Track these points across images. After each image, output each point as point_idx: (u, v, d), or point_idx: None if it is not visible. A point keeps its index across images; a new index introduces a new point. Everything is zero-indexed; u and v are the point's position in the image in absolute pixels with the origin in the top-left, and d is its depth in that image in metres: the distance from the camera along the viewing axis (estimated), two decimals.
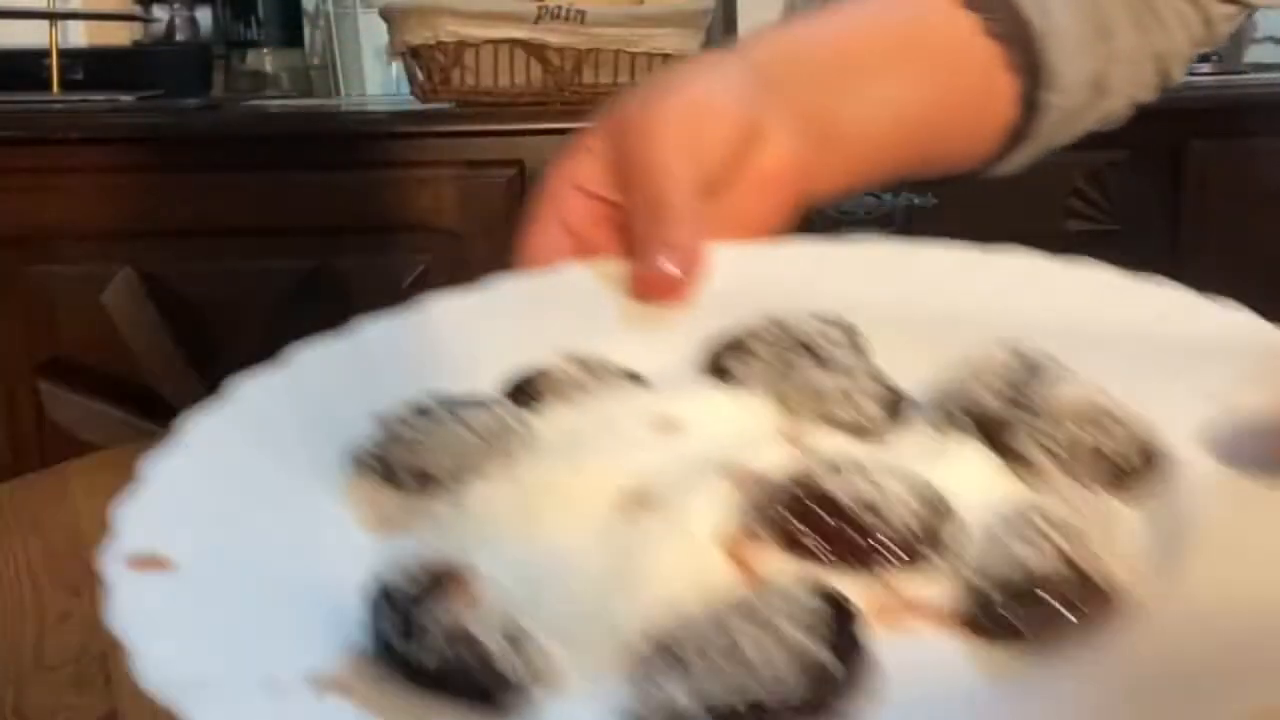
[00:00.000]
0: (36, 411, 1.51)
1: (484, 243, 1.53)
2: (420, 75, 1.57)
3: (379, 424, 0.41)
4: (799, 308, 0.46)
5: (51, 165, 1.48)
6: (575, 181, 0.57)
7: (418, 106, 1.60)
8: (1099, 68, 0.70)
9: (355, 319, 0.50)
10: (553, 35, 1.53)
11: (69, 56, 1.74)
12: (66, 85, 1.71)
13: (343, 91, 1.84)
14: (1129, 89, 0.72)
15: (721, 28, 1.97)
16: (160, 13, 1.90)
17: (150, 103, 1.66)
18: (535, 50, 1.54)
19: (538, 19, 1.52)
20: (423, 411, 0.41)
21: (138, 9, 1.91)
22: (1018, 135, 0.69)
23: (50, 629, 0.61)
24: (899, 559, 0.33)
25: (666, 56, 1.57)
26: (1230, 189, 1.57)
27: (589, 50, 1.54)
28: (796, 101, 0.59)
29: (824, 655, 0.30)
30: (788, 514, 0.34)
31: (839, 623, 0.30)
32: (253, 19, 1.88)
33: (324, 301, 1.51)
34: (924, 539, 0.34)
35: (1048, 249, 0.52)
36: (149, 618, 0.31)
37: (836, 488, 0.34)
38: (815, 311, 0.45)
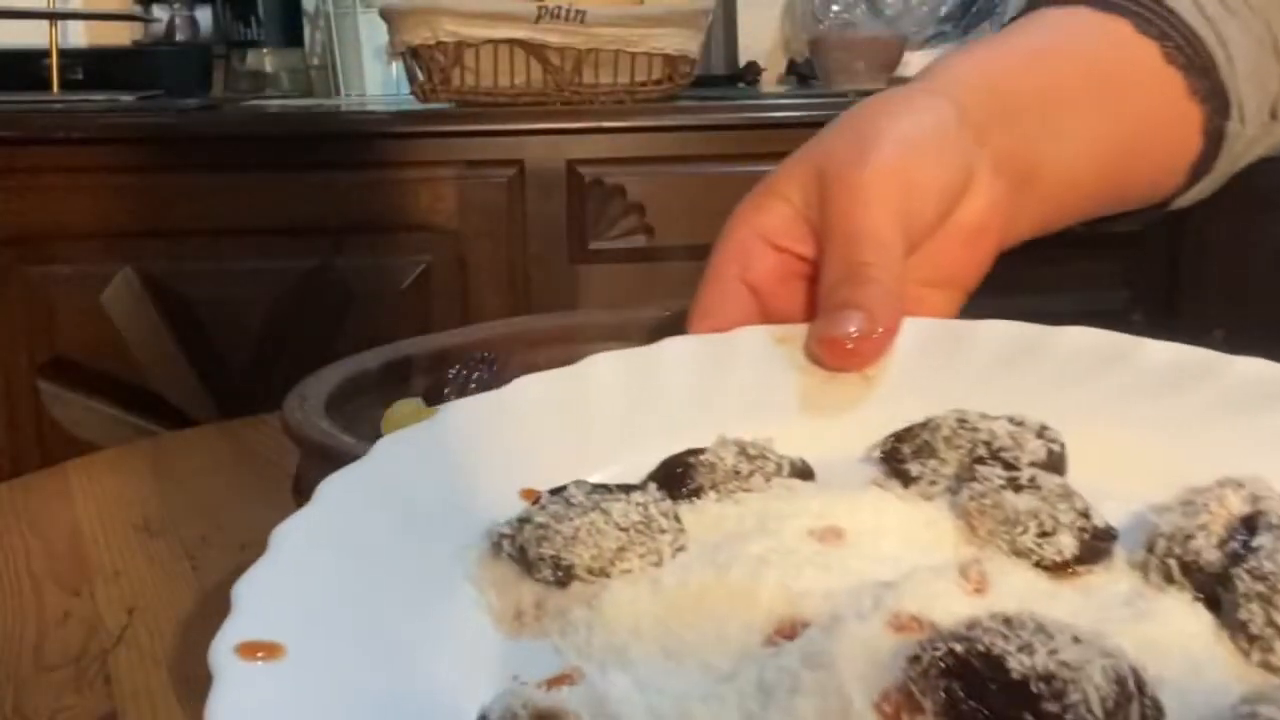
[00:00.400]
0: (36, 411, 1.51)
1: (484, 243, 1.53)
2: (420, 75, 1.57)
3: (521, 508, 0.38)
4: (994, 403, 0.41)
5: (51, 165, 1.48)
6: (763, 232, 0.52)
7: (418, 106, 1.60)
8: (1275, 91, 0.66)
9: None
10: (553, 35, 1.53)
11: (69, 56, 1.74)
12: (66, 85, 1.71)
13: (343, 91, 1.84)
14: None
15: (722, 28, 1.97)
16: (160, 13, 1.90)
17: (150, 103, 1.66)
18: (535, 50, 1.53)
19: (538, 19, 1.52)
20: (568, 498, 0.38)
21: (138, 9, 1.91)
22: (1201, 168, 0.66)
23: (50, 629, 0.61)
24: None
25: (666, 56, 1.57)
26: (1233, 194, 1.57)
27: (589, 50, 1.54)
28: (1001, 146, 0.55)
29: None
30: (955, 683, 0.29)
31: None
32: (253, 19, 1.88)
33: (324, 301, 1.51)
34: None
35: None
36: (251, 713, 0.29)
37: (1013, 658, 0.29)
38: (1012, 414, 0.41)
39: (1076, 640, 0.29)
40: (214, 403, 1.51)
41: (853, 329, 0.46)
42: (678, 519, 0.38)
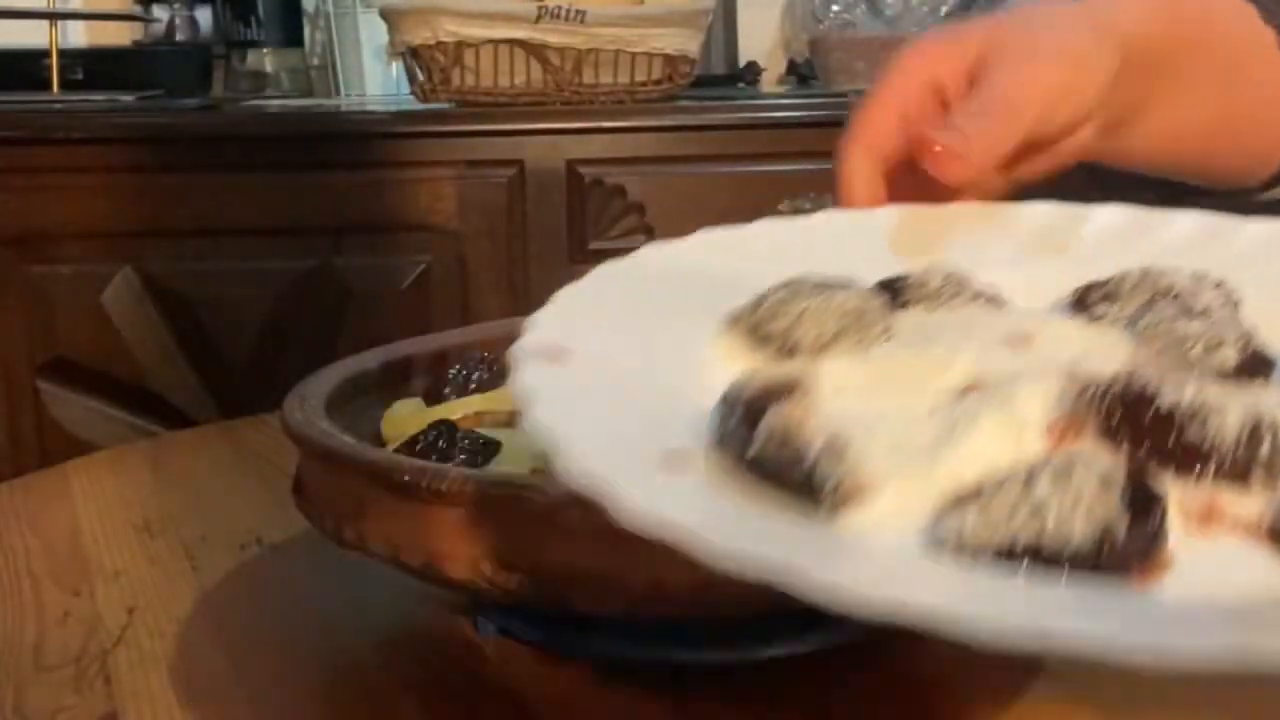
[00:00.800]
0: (36, 411, 1.51)
1: (484, 243, 1.53)
2: (420, 75, 1.57)
3: (755, 296, 0.44)
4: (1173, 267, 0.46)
5: (51, 165, 1.48)
6: (934, 71, 0.55)
7: (418, 106, 1.60)
8: None
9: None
10: (553, 35, 1.53)
11: (69, 56, 1.74)
12: (66, 85, 1.71)
13: (343, 91, 1.84)
14: None
15: (722, 28, 1.97)
16: (160, 13, 1.90)
17: (150, 103, 1.66)
18: (535, 50, 1.53)
19: (538, 19, 1.52)
20: (795, 288, 0.43)
21: (138, 9, 1.91)
22: None
23: (50, 629, 0.61)
24: (1218, 469, 0.33)
25: (666, 56, 1.57)
26: None
27: (589, 50, 1.54)
28: (1123, 91, 0.57)
29: (1116, 519, 0.30)
30: (1112, 405, 0.34)
31: (1138, 499, 0.31)
32: (253, 19, 1.88)
33: (324, 301, 1.51)
34: (1248, 454, 0.33)
35: None
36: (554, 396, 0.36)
37: (1165, 394, 0.34)
38: (1193, 271, 0.46)
39: (1230, 395, 0.34)
40: (214, 403, 1.51)
41: (947, 141, 0.51)
42: (888, 315, 0.43)
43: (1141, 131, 0.61)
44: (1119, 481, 0.31)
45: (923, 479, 0.34)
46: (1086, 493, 0.31)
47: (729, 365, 0.41)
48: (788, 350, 0.42)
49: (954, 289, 0.46)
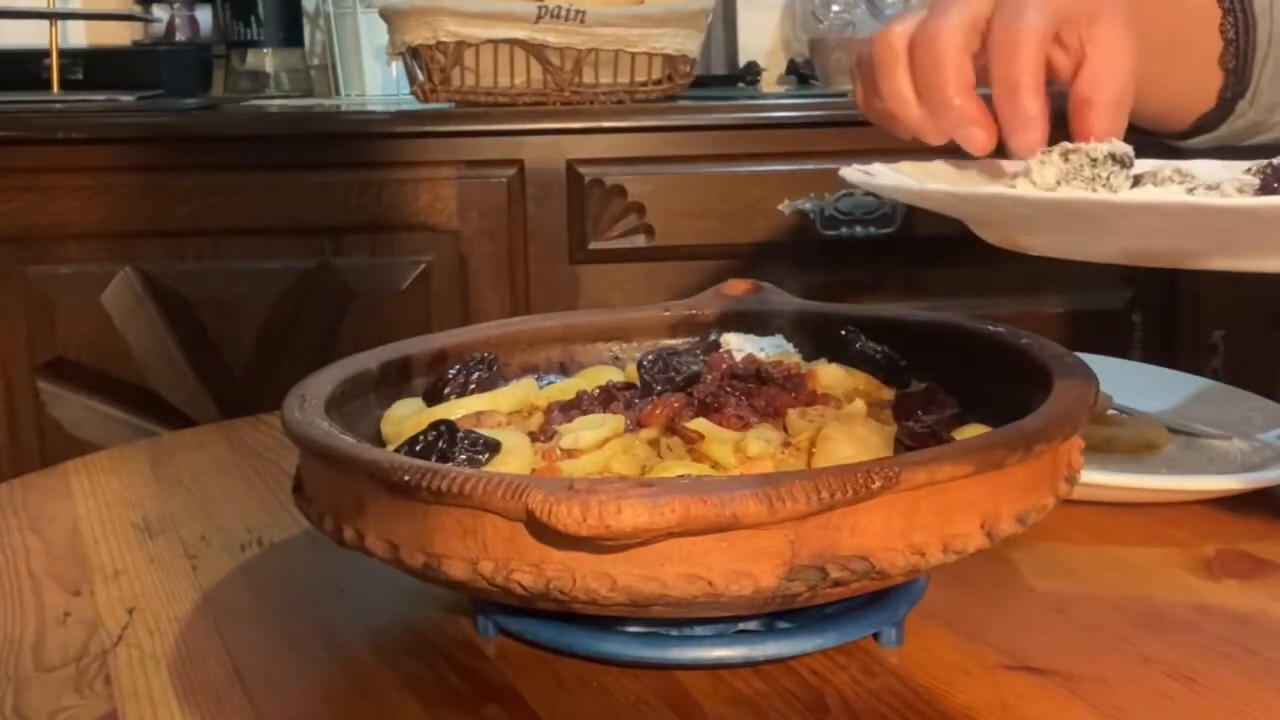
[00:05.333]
0: (36, 411, 1.51)
1: (484, 243, 1.52)
2: (420, 75, 1.57)
3: None
4: None
5: (51, 165, 1.48)
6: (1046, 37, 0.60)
7: (418, 106, 1.60)
8: None
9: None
10: (553, 35, 1.53)
11: (69, 56, 1.74)
12: (66, 85, 1.71)
13: (343, 91, 1.84)
14: None
15: (722, 28, 1.97)
16: (160, 13, 1.90)
17: (150, 103, 1.66)
18: (535, 50, 1.53)
19: (538, 19, 1.52)
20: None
21: (138, 9, 1.91)
22: (1205, 122, 0.78)
23: (50, 629, 0.61)
24: None
25: (666, 56, 1.57)
26: None
27: (589, 50, 1.54)
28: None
29: None
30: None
31: None
32: (253, 19, 1.87)
33: (324, 301, 1.51)
34: None
35: None
36: None
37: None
38: None
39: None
40: (214, 403, 1.51)
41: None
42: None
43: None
44: None
45: None
46: None
47: None
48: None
49: (1180, 179, 0.56)
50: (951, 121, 0.60)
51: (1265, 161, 0.56)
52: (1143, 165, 0.59)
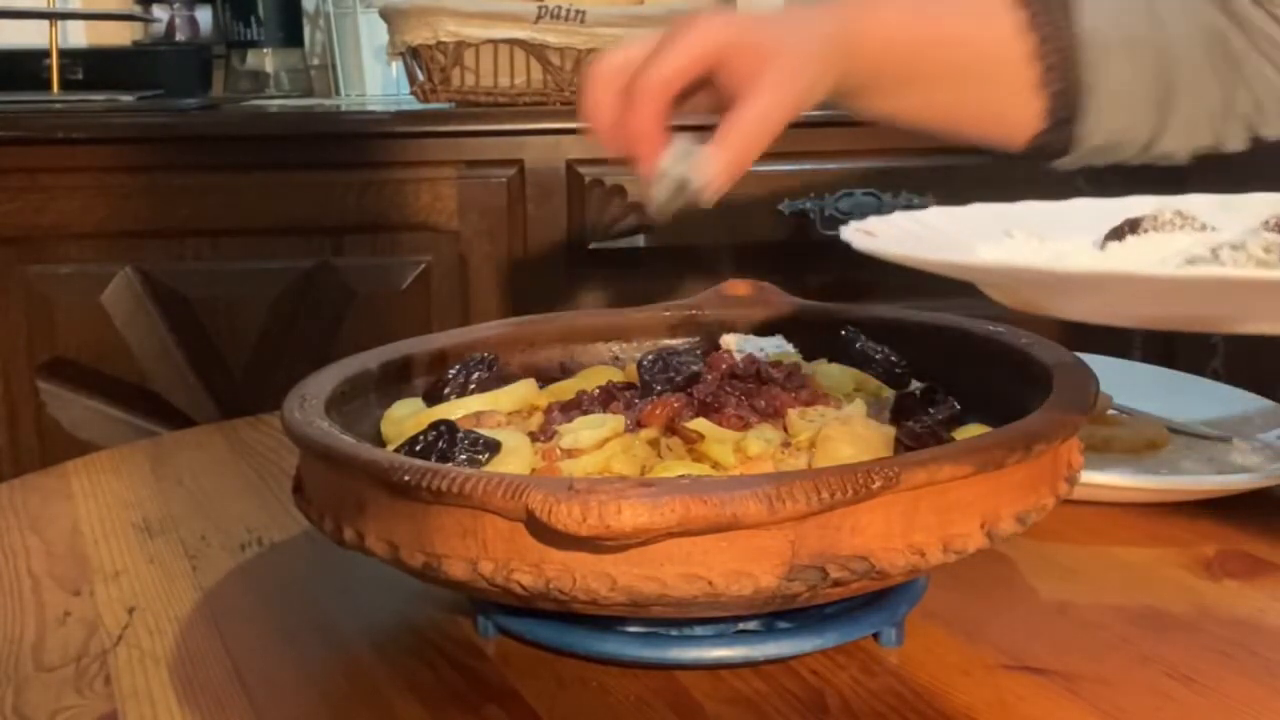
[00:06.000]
0: (36, 411, 1.51)
1: (484, 243, 1.52)
2: (420, 75, 1.57)
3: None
4: None
5: (51, 165, 1.48)
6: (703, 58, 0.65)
7: (417, 106, 1.59)
8: (1150, 131, 0.77)
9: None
10: (553, 35, 1.53)
11: (69, 56, 1.74)
12: (66, 85, 1.71)
13: (343, 91, 1.84)
14: (1187, 145, 0.79)
15: None
16: (160, 13, 1.90)
17: (150, 103, 1.66)
18: (535, 50, 1.53)
19: (538, 19, 1.52)
20: None
21: (138, 9, 1.91)
22: (1050, 147, 0.78)
23: (50, 629, 0.61)
24: None
25: None
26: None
27: (589, 50, 1.54)
28: (850, 82, 0.69)
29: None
30: None
31: None
32: (253, 19, 1.87)
33: (324, 301, 1.51)
34: None
35: None
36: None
37: None
38: None
39: None
40: (214, 403, 1.51)
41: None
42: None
43: (875, 107, 0.73)
44: None
45: None
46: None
47: None
48: None
49: (1181, 220, 0.58)
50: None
51: None
52: (1141, 206, 0.59)
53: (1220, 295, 0.45)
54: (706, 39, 0.63)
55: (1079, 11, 0.74)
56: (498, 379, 0.68)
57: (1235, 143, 0.79)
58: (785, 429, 0.59)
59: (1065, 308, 0.50)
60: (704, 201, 0.64)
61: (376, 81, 1.83)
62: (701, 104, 0.66)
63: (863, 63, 0.69)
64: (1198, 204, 0.60)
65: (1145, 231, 0.58)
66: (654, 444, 0.58)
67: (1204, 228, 0.58)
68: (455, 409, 0.64)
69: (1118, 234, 0.58)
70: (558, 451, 0.58)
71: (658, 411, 0.59)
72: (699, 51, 0.63)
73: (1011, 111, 0.76)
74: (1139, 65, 0.75)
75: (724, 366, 0.65)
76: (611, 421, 0.59)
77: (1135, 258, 0.56)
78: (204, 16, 1.92)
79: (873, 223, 0.58)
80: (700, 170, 0.64)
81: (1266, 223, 0.56)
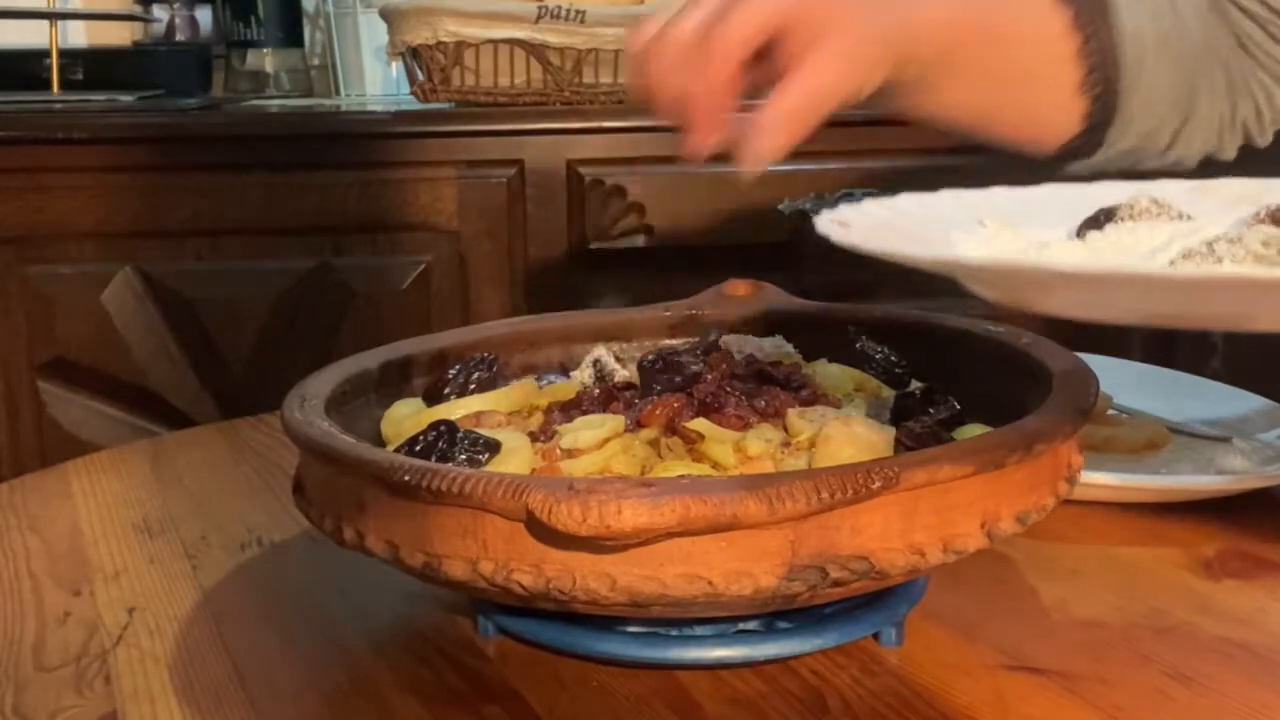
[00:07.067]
0: (36, 411, 1.51)
1: (484, 243, 1.52)
2: (420, 75, 1.57)
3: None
4: None
5: (51, 165, 1.48)
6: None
7: (417, 106, 1.60)
8: (1172, 134, 0.77)
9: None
10: (553, 35, 1.53)
11: (69, 56, 1.74)
12: (66, 85, 1.71)
13: (343, 91, 1.84)
14: (1199, 150, 0.78)
15: None
16: (160, 13, 1.90)
17: (150, 103, 1.66)
18: (535, 50, 1.53)
19: (538, 19, 1.52)
20: None
21: (138, 9, 1.91)
22: (1077, 150, 0.76)
23: (50, 629, 0.61)
24: None
25: None
26: None
27: (589, 50, 1.54)
28: (898, 74, 0.66)
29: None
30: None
31: None
32: (253, 19, 1.87)
33: (324, 301, 1.51)
34: None
35: None
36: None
37: None
38: None
39: None
40: (214, 403, 1.51)
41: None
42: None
43: (918, 104, 0.70)
44: None
45: None
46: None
47: None
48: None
49: (1157, 209, 0.57)
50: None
51: (1274, 205, 0.54)
52: (1113, 194, 0.59)
53: (1222, 294, 0.44)
54: (769, 4, 0.60)
55: (1117, 13, 0.72)
56: (498, 379, 0.68)
57: (1231, 150, 0.78)
58: (785, 429, 0.59)
59: (1053, 303, 0.50)
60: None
61: (376, 81, 1.83)
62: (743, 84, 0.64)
63: (922, 51, 0.66)
64: (1170, 190, 0.59)
65: (1122, 220, 0.57)
66: (654, 444, 0.58)
67: (1180, 215, 0.57)
68: (455, 409, 0.64)
69: (1095, 223, 0.57)
70: (558, 451, 0.58)
71: (658, 411, 0.59)
72: (767, 15, 0.60)
73: (1051, 113, 0.75)
74: (1170, 66, 0.74)
75: (724, 366, 0.65)
76: (611, 421, 0.59)
77: (1120, 249, 0.55)
78: (204, 16, 1.92)
79: (845, 212, 0.57)
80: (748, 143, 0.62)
81: (1258, 214, 0.55)
